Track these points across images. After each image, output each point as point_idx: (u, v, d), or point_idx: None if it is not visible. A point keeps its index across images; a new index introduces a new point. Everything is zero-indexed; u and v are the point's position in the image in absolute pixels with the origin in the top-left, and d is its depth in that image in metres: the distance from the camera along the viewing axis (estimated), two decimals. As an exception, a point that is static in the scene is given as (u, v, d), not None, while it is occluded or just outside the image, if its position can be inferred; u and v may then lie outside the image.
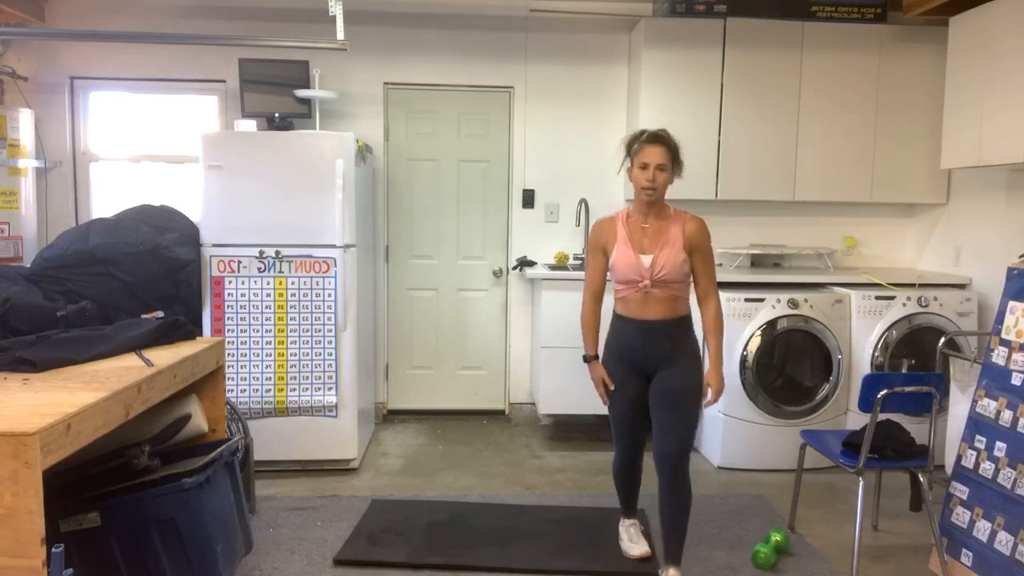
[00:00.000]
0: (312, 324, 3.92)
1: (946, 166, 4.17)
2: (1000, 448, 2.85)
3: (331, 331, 3.93)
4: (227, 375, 3.80)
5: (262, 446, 3.87)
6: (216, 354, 2.98)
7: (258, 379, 3.92)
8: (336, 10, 3.79)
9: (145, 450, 2.59)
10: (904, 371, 4.05)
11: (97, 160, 4.80)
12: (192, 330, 3.00)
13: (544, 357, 4.46)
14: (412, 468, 4.17)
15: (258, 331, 3.91)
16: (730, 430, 4.16)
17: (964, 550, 2.91)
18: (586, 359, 2.95)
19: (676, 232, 2.77)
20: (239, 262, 3.89)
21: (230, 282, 3.89)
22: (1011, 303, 2.99)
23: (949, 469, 3.28)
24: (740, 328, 4.09)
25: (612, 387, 2.89)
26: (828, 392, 4.15)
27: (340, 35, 3.86)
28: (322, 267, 3.91)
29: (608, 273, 2.91)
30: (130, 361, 2.55)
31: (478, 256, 5.03)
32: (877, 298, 4.17)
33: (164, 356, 2.64)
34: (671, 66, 4.50)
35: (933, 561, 3.08)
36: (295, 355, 3.93)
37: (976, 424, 2.98)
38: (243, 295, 3.90)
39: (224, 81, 4.72)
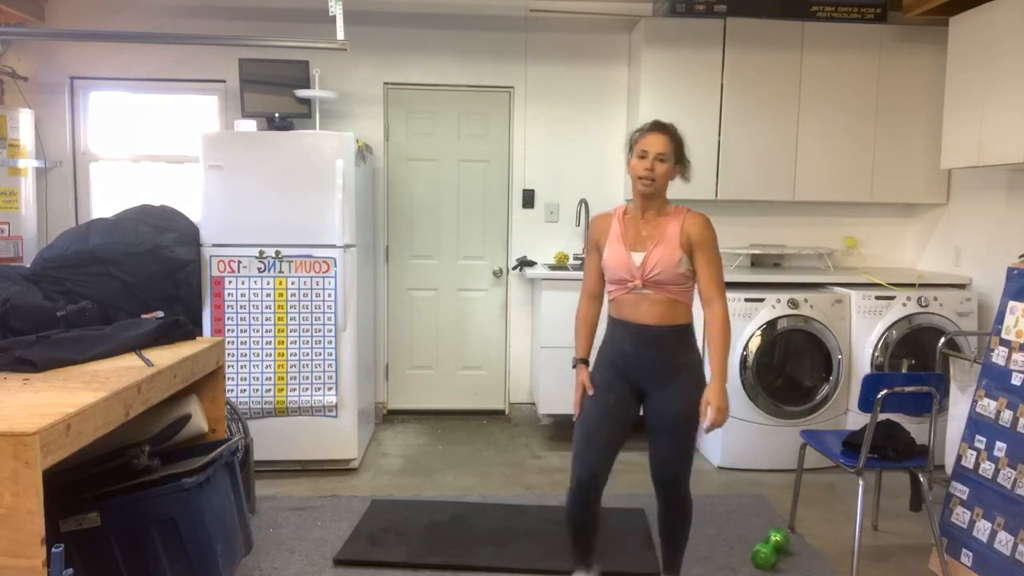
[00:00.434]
0: (312, 324, 3.92)
1: (946, 166, 4.17)
2: (1000, 448, 2.85)
3: (331, 331, 3.93)
4: (227, 375, 3.80)
5: (262, 446, 3.86)
6: (216, 354, 2.98)
7: (258, 379, 3.92)
8: (336, 10, 3.79)
9: (145, 450, 2.59)
10: (904, 371, 4.04)
11: (97, 160, 4.80)
12: (192, 330, 3.00)
13: (544, 357, 4.46)
14: (412, 468, 4.17)
15: (258, 331, 3.91)
16: (730, 430, 4.15)
17: (964, 550, 2.91)
18: (574, 364, 2.66)
19: (674, 229, 2.49)
20: (239, 262, 3.89)
21: (230, 282, 3.89)
22: (1011, 303, 2.99)
23: (949, 469, 3.28)
24: (740, 328, 4.09)
25: (590, 392, 2.56)
26: (828, 392, 4.15)
27: (340, 35, 3.86)
28: (322, 267, 3.91)
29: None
30: (130, 361, 2.55)
31: (478, 256, 5.03)
32: (877, 298, 4.17)
33: (164, 356, 2.64)
34: (671, 66, 4.50)
35: (933, 561, 3.08)
36: (295, 355, 3.93)
37: (976, 424, 2.98)
38: (243, 295, 3.90)
39: (224, 81, 4.71)
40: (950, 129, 4.11)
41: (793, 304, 4.09)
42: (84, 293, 3.58)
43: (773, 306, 4.10)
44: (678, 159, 2.54)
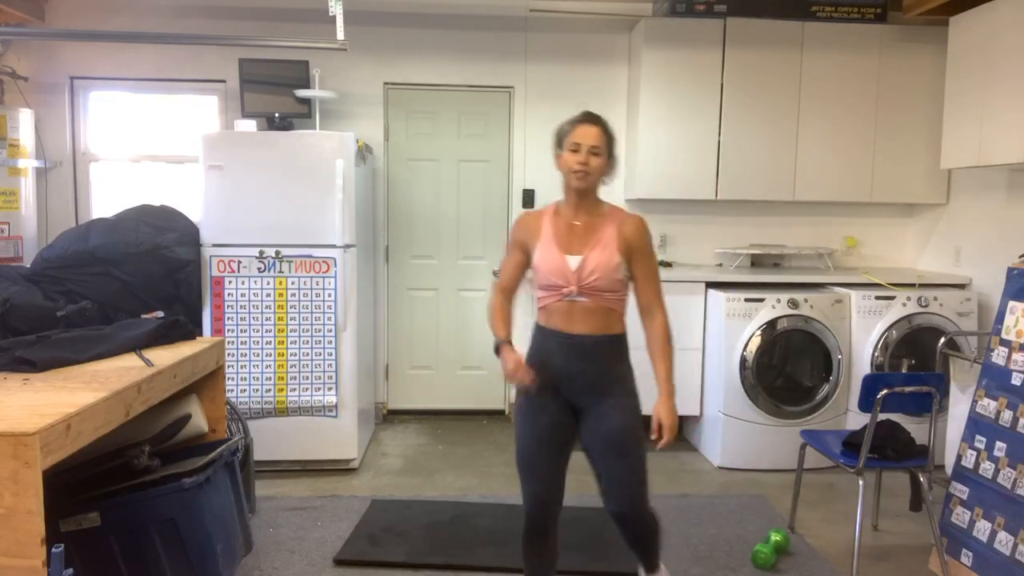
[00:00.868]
0: (312, 324, 3.92)
1: (946, 166, 4.17)
2: (1000, 448, 2.85)
3: (331, 331, 3.93)
4: (227, 375, 3.80)
5: (262, 446, 3.86)
6: (216, 354, 2.98)
7: (258, 379, 3.92)
8: (336, 10, 3.79)
9: (145, 450, 2.59)
10: (904, 371, 4.05)
11: (97, 160, 4.80)
12: (192, 330, 3.00)
13: (544, 357, 4.46)
14: (412, 468, 4.17)
15: (258, 331, 3.91)
16: (730, 430, 4.16)
17: (964, 550, 2.91)
18: (497, 347, 2.31)
19: (610, 231, 2.32)
20: (239, 262, 3.89)
21: (230, 282, 3.89)
22: (1011, 303, 2.99)
23: (949, 469, 3.27)
24: (740, 328, 4.09)
25: (531, 377, 2.26)
26: (828, 392, 4.15)
27: (340, 35, 3.86)
28: (322, 267, 3.91)
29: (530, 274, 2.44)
30: (130, 361, 2.55)
31: (478, 256, 5.03)
32: (877, 298, 4.17)
33: (164, 356, 2.64)
34: (671, 66, 4.50)
35: (933, 561, 3.08)
36: (295, 355, 3.93)
37: (976, 424, 2.98)
38: (243, 295, 3.90)
39: (224, 81, 4.71)
40: (950, 129, 4.11)
41: (793, 304, 4.09)
42: (84, 293, 3.58)
43: (773, 306, 4.09)
44: (609, 154, 2.34)
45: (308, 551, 3.14)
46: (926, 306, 4.14)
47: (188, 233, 3.91)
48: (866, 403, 2.96)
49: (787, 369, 4.37)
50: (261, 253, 3.89)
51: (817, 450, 3.24)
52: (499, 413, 5.12)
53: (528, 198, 4.96)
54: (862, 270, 4.72)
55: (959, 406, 3.49)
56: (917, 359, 4.12)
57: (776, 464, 4.12)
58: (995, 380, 2.95)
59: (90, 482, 2.48)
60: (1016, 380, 2.86)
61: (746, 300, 4.11)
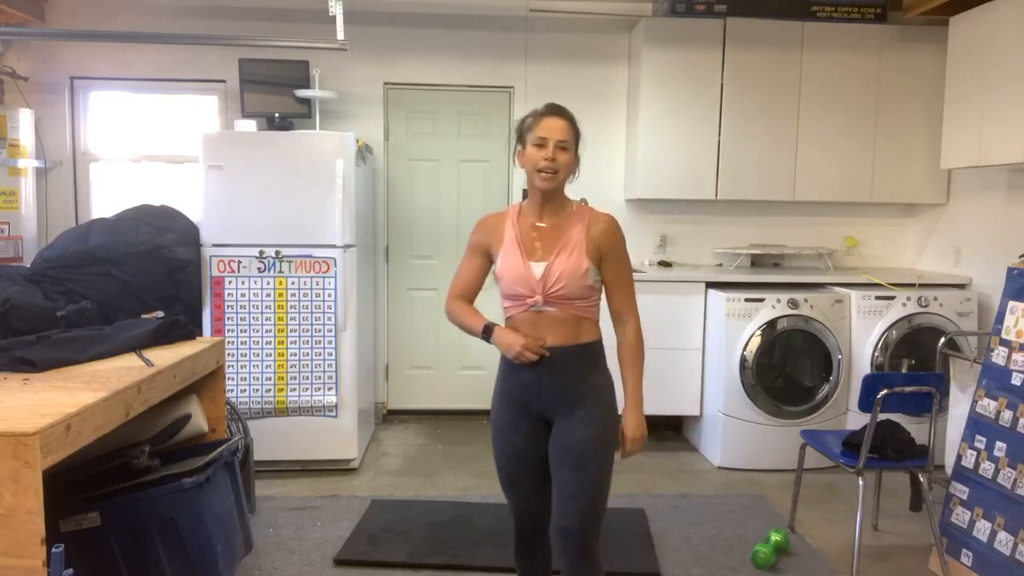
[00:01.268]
0: (312, 324, 3.92)
1: (946, 166, 4.17)
2: (1000, 448, 2.85)
3: (331, 331, 3.93)
4: (227, 375, 3.79)
5: (262, 446, 3.86)
6: (216, 354, 2.98)
7: (258, 379, 3.92)
8: (336, 10, 3.79)
9: (145, 450, 2.58)
10: (904, 371, 4.04)
11: (97, 160, 4.79)
12: (192, 330, 3.00)
13: (544, 357, 4.46)
14: (412, 468, 4.17)
15: (258, 331, 3.91)
16: (730, 430, 4.16)
17: (964, 550, 2.91)
18: (486, 333, 2.18)
19: (578, 233, 2.11)
20: (239, 262, 3.89)
21: (230, 282, 3.89)
22: (1011, 303, 2.99)
23: (949, 469, 3.27)
24: (740, 328, 4.09)
25: (540, 343, 2.09)
26: (828, 392, 4.15)
27: (340, 35, 3.86)
28: (322, 267, 3.91)
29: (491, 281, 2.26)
30: (130, 361, 2.55)
31: (478, 256, 5.02)
32: (877, 298, 4.17)
33: (164, 356, 2.63)
34: (671, 66, 4.50)
35: (933, 561, 3.08)
36: (295, 355, 3.92)
37: (976, 424, 2.98)
38: (243, 295, 3.90)
39: (224, 81, 4.71)
40: (950, 129, 4.11)
41: (793, 304, 4.09)
42: (84, 293, 3.58)
43: (773, 306, 4.09)
44: (575, 150, 2.17)
45: (308, 551, 3.14)
46: (926, 306, 4.14)
47: (188, 233, 3.91)
48: (866, 403, 2.96)
49: (787, 369, 4.37)
50: (261, 253, 3.89)
51: (817, 450, 3.24)
52: (499, 413, 5.11)
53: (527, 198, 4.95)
54: (862, 270, 4.72)
55: (959, 406, 3.49)
56: (917, 359, 4.12)
57: (776, 464, 4.12)
58: (995, 380, 2.95)
59: (90, 482, 2.48)
60: (1016, 380, 2.86)
61: (746, 300, 4.11)
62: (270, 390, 3.92)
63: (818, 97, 4.57)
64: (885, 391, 2.93)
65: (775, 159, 4.59)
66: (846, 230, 5.05)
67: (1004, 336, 2.97)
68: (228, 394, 3.66)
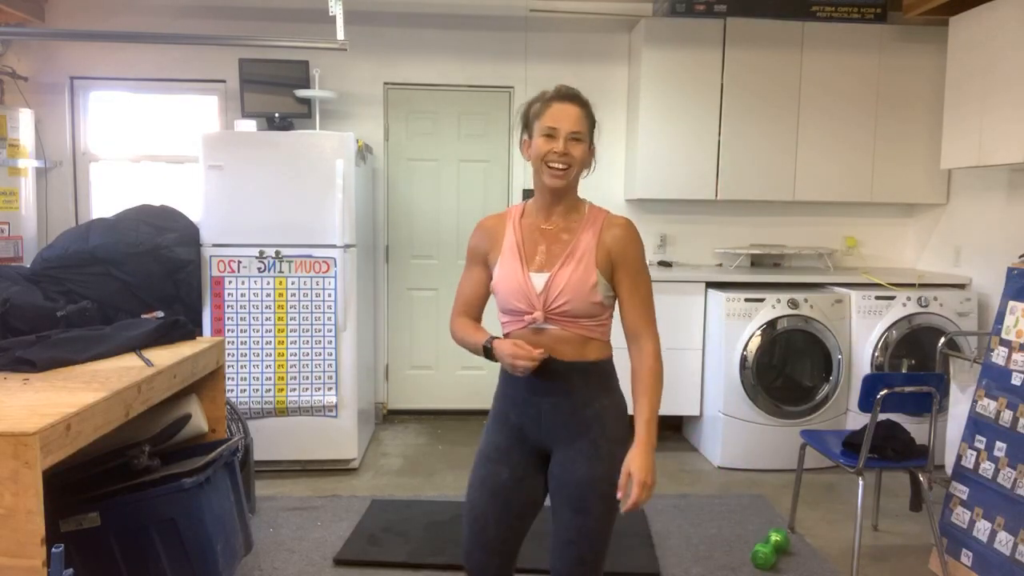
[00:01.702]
0: (312, 324, 3.92)
1: (946, 166, 4.17)
2: (1000, 448, 2.85)
3: (331, 331, 3.93)
4: (227, 375, 3.80)
5: (262, 446, 3.86)
6: (216, 354, 2.98)
7: (258, 379, 3.92)
8: (336, 10, 3.79)
9: (145, 450, 2.58)
10: (904, 371, 4.05)
11: (97, 160, 4.79)
12: (192, 330, 3.00)
13: (544, 357, 4.45)
14: (412, 468, 4.17)
15: (258, 331, 3.91)
16: (730, 430, 4.16)
17: (964, 550, 2.91)
18: (487, 350, 1.91)
19: (588, 239, 1.80)
20: (239, 262, 3.89)
21: (230, 282, 3.89)
22: (1011, 303, 2.99)
23: (949, 469, 3.28)
24: (740, 328, 4.09)
25: (540, 352, 1.77)
26: (828, 392, 4.15)
27: (340, 35, 3.86)
28: (322, 267, 3.91)
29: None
30: (130, 361, 2.55)
31: (478, 256, 5.02)
32: (877, 298, 4.17)
33: (164, 356, 2.63)
34: (671, 66, 4.50)
35: (933, 561, 3.08)
36: (295, 355, 3.93)
37: (976, 424, 2.98)
38: (243, 295, 3.90)
39: (224, 81, 4.71)
40: (950, 129, 4.11)
41: (793, 304, 4.09)
42: (84, 293, 3.58)
43: (773, 306, 4.10)
44: (591, 140, 1.84)
45: (308, 551, 3.14)
46: (926, 306, 4.14)
47: (188, 233, 3.91)
48: (866, 403, 2.96)
49: (787, 369, 4.37)
50: (261, 253, 3.89)
51: (817, 450, 3.24)
52: (499, 413, 5.11)
53: (528, 198, 4.95)
54: (862, 270, 4.71)
55: (959, 406, 3.49)
56: (917, 359, 4.12)
57: (776, 464, 4.12)
58: (995, 380, 2.95)
59: (90, 482, 2.48)
60: (1016, 380, 2.86)
61: (746, 300, 4.11)
62: (270, 390, 3.92)
63: (818, 97, 4.57)
64: (885, 391, 2.93)
65: (775, 159, 4.59)
66: (846, 230, 5.05)
67: (1004, 336, 2.97)
68: (228, 394, 3.66)
